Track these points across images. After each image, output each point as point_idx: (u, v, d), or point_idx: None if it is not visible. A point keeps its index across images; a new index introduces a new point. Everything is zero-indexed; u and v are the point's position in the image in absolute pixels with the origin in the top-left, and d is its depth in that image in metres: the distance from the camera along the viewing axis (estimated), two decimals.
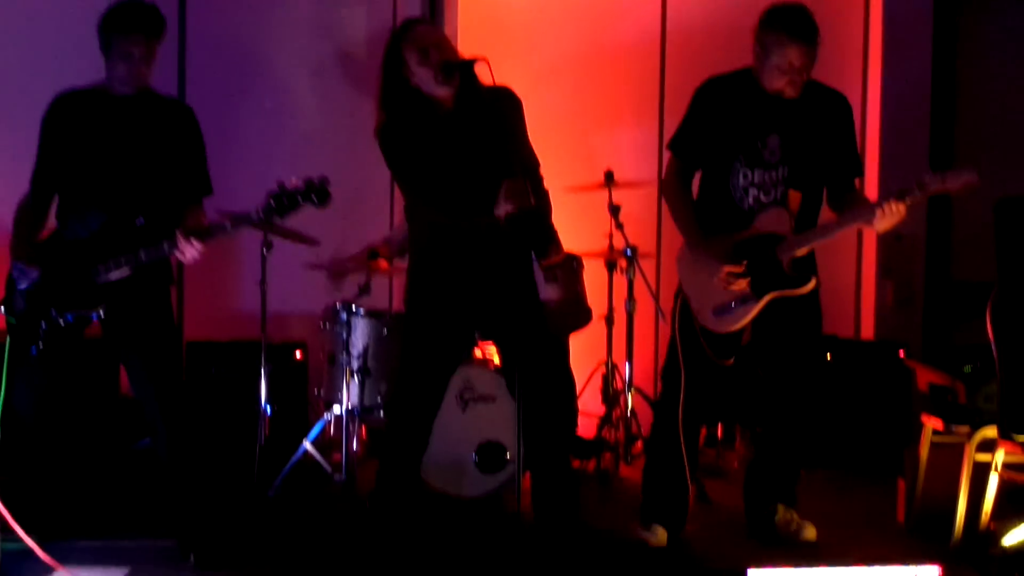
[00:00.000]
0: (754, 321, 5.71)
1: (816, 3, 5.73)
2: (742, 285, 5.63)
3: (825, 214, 5.86)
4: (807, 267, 5.72)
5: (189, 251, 5.29)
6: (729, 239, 5.70)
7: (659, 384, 6.26)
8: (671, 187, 5.88)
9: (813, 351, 5.93)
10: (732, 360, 5.92)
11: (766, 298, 5.64)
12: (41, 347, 5.42)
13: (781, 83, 5.62)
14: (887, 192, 5.46)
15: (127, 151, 5.52)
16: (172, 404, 5.59)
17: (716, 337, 5.77)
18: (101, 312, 5.43)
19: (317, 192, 5.19)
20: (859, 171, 5.92)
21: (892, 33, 8.85)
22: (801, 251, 5.64)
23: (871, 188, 8.82)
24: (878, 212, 5.35)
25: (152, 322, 5.62)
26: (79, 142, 5.54)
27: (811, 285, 5.66)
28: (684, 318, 5.84)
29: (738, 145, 5.73)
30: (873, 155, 8.87)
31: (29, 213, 5.63)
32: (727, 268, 5.61)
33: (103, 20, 5.47)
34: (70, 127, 5.59)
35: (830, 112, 5.79)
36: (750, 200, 5.73)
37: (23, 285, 5.37)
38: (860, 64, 9.06)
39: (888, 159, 8.79)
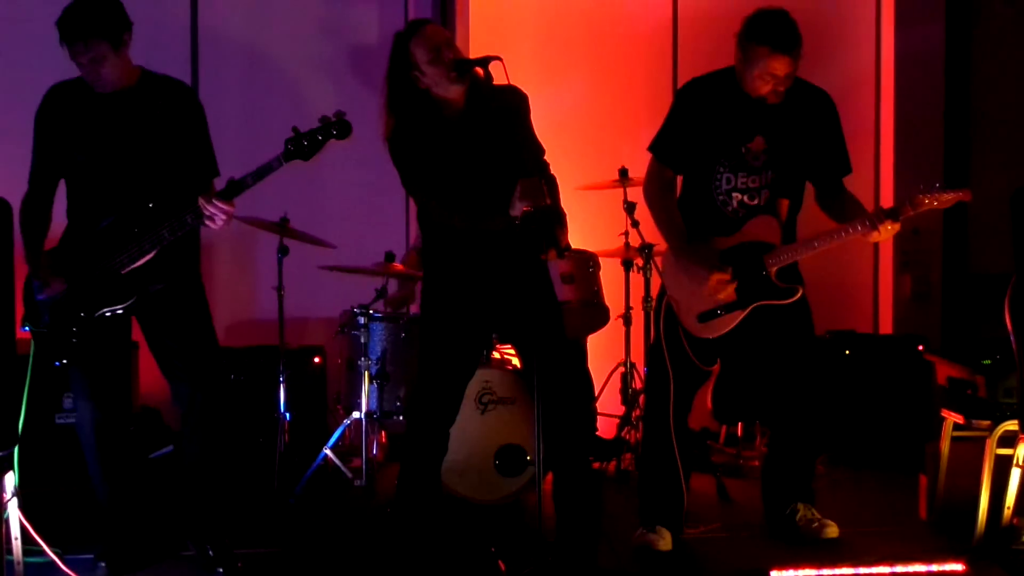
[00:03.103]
0: (743, 326, 5.70)
1: None
2: (728, 292, 5.62)
3: (806, 215, 5.89)
4: (792, 276, 5.73)
5: (215, 212, 5.18)
6: (716, 245, 5.70)
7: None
8: (653, 192, 5.84)
9: (807, 350, 5.89)
10: (715, 365, 5.97)
11: (751, 306, 5.65)
12: (65, 362, 5.39)
13: (765, 90, 5.60)
14: (901, 197, 5.49)
15: (124, 149, 5.39)
16: (214, 395, 5.57)
17: (699, 342, 5.77)
18: (132, 302, 5.35)
19: (337, 126, 5.11)
20: (847, 169, 5.86)
21: (904, 10, 8.87)
22: (789, 261, 5.66)
23: (886, 177, 8.82)
24: (873, 234, 5.46)
25: (186, 306, 5.57)
26: (74, 138, 5.42)
27: (797, 295, 5.66)
28: (669, 322, 5.84)
29: (721, 148, 5.72)
30: (888, 147, 8.88)
31: (32, 211, 5.51)
32: (715, 276, 5.60)
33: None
34: (63, 121, 5.45)
35: (815, 111, 5.77)
36: (734, 204, 5.72)
37: (43, 297, 5.33)
38: (873, 47, 9.06)
39: (903, 147, 8.80)
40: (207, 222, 5.22)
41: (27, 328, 5.38)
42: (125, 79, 5.43)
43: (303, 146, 5.10)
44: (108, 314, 5.34)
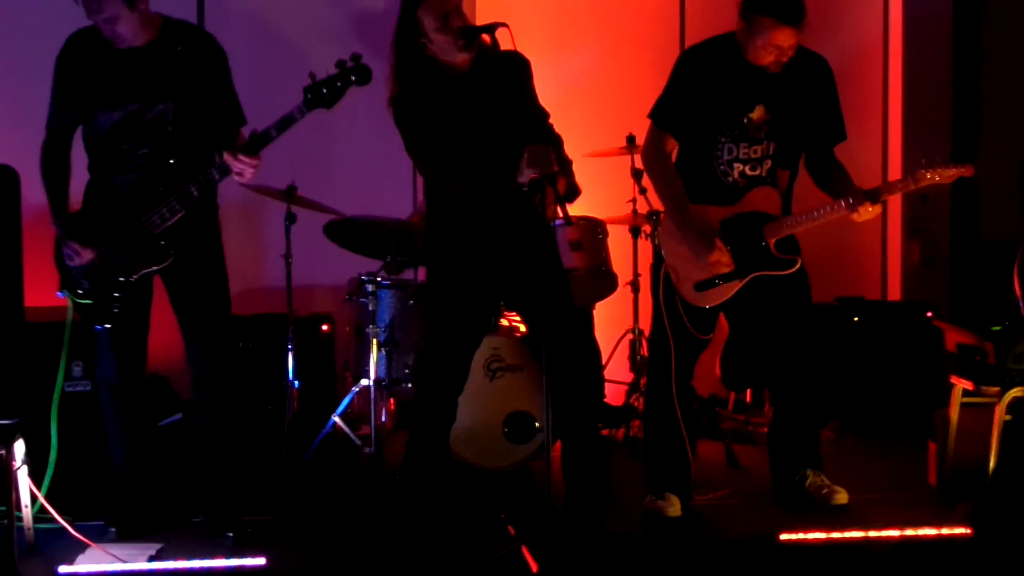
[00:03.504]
0: (741, 296, 5.70)
1: None
2: (727, 262, 5.60)
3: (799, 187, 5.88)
4: (791, 247, 5.72)
5: (243, 167, 5.11)
6: (715, 215, 5.69)
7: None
8: (653, 158, 5.80)
9: (805, 319, 5.87)
10: (712, 334, 5.95)
11: (749, 276, 5.64)
12: (108, 326, 5.38)
13: (767, 61, 5.57)
14: (907, 170, 5.47)
15: (143, 105, 5.32)
16: (223, 359, 5.56)
17: (696, 311, 5.76)
18: (171, 261, 5.32)
19: (355, 71, 5.03)
20: (842, 136, 5.84)
21: None
22: (788, 233, 5.65)
23: (894, 145, 8.78)
24: (853, 216, 5.48)
25: (206, 267, 5.55)
26: (92, 91, 5.34)
27: (796, 266, 5.65)
28: (667, 290, 5.83)
29: (722, 118, 5.69)
30: (896, 114, 8.84)
31: (51, 160, 5.45)
32: (715, 246, 5.59)
33: None
34: (82, 73, 5.36)
35: (813, 78, 5.74)
36: (735, 175, 5.70)
37: (75, 265, 5.30)
38: (881, 13, 9.01)
39: (911, 113, 8.76)
40: (235, 176, 5.17)
41: (63, 294, 5.37)
42: (145, 34, 5.35)
43: (322, 94, 5.04)
44: (151, 273, 5.35)
